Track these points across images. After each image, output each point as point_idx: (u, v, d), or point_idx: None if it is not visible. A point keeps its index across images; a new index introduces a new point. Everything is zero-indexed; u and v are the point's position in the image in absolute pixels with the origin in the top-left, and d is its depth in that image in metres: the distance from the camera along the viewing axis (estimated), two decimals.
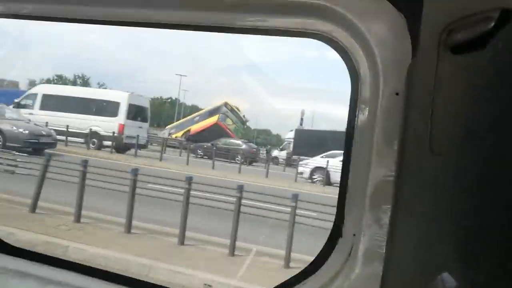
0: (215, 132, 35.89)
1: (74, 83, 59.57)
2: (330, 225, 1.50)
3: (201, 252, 8.72)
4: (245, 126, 45.29)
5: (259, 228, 10.05)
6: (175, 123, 43.45)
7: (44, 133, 21.21)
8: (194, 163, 23.70)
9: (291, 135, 36.06)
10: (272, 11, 1.37)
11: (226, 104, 40.81)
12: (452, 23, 0.92)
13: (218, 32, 1.58)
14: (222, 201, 10.05)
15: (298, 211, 8.83)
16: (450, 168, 0.88)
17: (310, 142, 28.86)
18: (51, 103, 25.50)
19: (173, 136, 37.21)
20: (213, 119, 38.93)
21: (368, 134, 1.27)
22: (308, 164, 22.69)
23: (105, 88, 58.39)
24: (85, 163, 10.38)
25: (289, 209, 8.77)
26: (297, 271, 1.49)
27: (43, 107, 25.36)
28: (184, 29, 1.59)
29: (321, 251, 1.46)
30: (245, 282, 7.34)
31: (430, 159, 0.95)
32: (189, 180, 9.55)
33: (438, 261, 0.89)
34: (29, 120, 21.96)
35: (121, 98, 25.51)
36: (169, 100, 65.65)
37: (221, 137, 33.45)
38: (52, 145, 21.04)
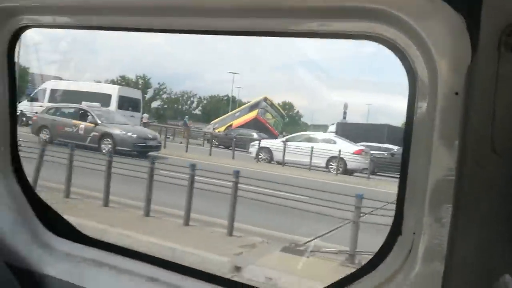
0: (255, 126, 36.75)
1: (136, 83, 62.71)
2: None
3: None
4: (284, 120, 46.19)
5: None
6: (219, 118, 44.60)
7: (150, 136, 21.74)
8: (216, 153, 25.79)
9: (332, 128, 36.67)
10: (329, 16, 1.40)
11: (265, 99, 41.72)
12: None
13: (279, 36, 1.64)
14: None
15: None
16: None
17: (350, 134, 29.17)
18: (57, 96, 28.57)
19: (217, 130, 38.29)
20: (253, 114, 39.82)
21: (426, 133, 1.27)
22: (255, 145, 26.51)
23: (165, 89, 61.57)
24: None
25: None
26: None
27: (51, 100, 27.90)
28: (245, 35, 1.65)
29: (380, 248, 1.46)
30: None
31: (492, 159, 0.95)
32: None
33: (500, 263, 0.90)
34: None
35: (112, 90, 28.76)
36: (225, 98, 67.24)
37: (261, 131, 34.50)
38: (157, 148, 21.50)
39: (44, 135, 21.16)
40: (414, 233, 1.33)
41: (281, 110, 43.99)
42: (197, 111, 68.64)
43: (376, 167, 24.28)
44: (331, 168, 22.71)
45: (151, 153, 19.20)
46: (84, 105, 22.51)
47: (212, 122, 43.52)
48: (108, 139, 20.09)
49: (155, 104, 66.78)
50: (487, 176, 0.98)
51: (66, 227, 2.09)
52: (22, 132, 21.95)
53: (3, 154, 2.04)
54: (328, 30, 1.45)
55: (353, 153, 23.36)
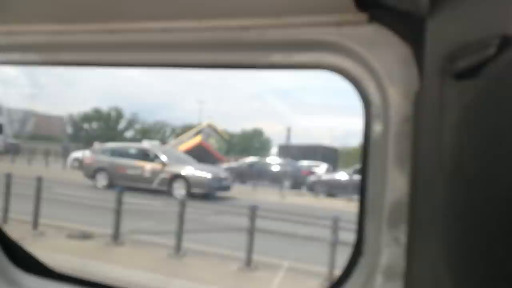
0: (200, 150, 38.47)
1: (108, 115, 63.44)
2: None
3: None
4: (226, 144, 49.40)
5: None
6: (171, 142, 46.30)
7: (222, 175, 20.26)
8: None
9: (274, 151, 43.36)
10: (289, 49, 1.47)
11: (209, 126, 44.81)
12: (455, 51, 0.95)
13: (246, 68, 1.69)
14: None
15: None
16: (461, 189, 0.92)
17: (291, 154, 34.01)
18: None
19: None
20: (196, 139, 42.01)
21: (381, 156, 1.33)
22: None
23: (137, 119, 62.12)
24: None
25: None
26: None
27: None
28: (212, 68, 1.69)
29: (343, 269, 1.48)
30: None
31: (441, 180, 0.99)
32: None
33: (454, 282, 0.92)
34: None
35: None
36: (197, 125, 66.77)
37: (206, 155, 36.43)
38: (228, 188, 19.82)
39: (101, 179, 19.75)
40: (374, 254, 1.36)
41: (225, 136, 46.81)
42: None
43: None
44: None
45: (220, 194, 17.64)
46: (146, 143, 21.67)
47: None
48: (180, 181, 18.31)
49: (128, 134, 66.66)
50: (437, 197, 1.02)
51: (34, 262, 2.05)
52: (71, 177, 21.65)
53: None
54: (289, 62, 1.51)
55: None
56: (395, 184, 1.29)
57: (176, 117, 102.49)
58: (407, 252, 1.24)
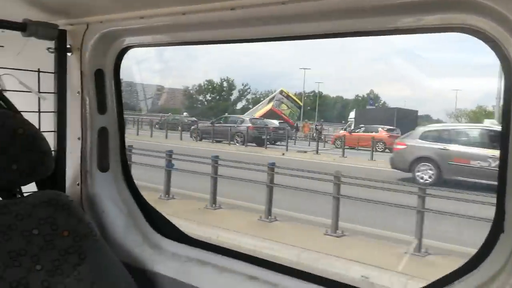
0: (271, 116, 39.99)
1: (221, 86, 66.83)
2: None
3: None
4: (300, 110, 51.34)
5: None
6: (250, 110, 49.27)
7: None
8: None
9: (352, 115, 42.61)
10: (422, 10, 1.37)
11: (281, 92, 46.52)
12: None
13: (364, 35, 1.66)
14: None
15: None
16: None
17: (367, 119, 33.65)
18: None
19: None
20: (269, 106, 44.19)
21: None
22: None
23: (248, 90, 64.74)
24: None
25: None
26: None
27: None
28: (340, 37, 1.69)
29: (481, 246, 1.41)
30: None
31: None
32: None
33: None
34: None
35: None
36: (312, 94, 68.05)
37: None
38: None
39: (423, 172, 15.07)
40: None
41: (298, 101, 48.15)
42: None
43: None
44: None
45: None
46: (490, 124, 16.25)
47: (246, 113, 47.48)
48: None
49: (240, 105, 69.27)
50: None
51: (172, 229, 2.26)
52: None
53: (115, 164, 2.27)
54: (421, 24, 1.43)
55: None
56: None
57: (291, 86, 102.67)
58: None
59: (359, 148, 28.49)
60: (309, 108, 69.65)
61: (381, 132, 31.40)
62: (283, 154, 23.65)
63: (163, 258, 2.10)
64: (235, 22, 1.74)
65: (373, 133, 29.67)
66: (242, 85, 71.08)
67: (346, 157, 23.31)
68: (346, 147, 25.63)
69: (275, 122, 35.45)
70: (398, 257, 8.28)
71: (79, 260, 1.74)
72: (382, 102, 69.85)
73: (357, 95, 72.51)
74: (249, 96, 70.96)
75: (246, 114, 45.74)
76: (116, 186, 2.26)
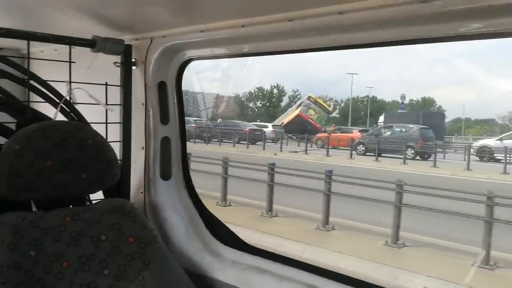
0: (299, 122, 42.20)
1: (271, 92, 68.50)
2: None
3: None
4: (329, 115, 53.19)
5: None
6: (281, 116, 50.97)
7: None
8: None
9: (381, 119, 44.76)
10: (494, 15, 1.32)
11: (309, 98, 48.52)
12: None
13: (428, 43, 1.62)
14: None
15: None
16: None
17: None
18: None
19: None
20: (296, 111, 45.81)
21: None
22: None
23: (299, 96, 66.10)
24: None
25: None
26: None
27: None
28: (406, 44, 1.67)
29: None
30: None
31: None
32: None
33: None
34: None
35: None
36: (365, 99, 67.83)
37: (304, 126, 40.15)
38: None
39: None
40: None
41: (326, 107, 50.19)
42: (334, 114, 69.53)
43: None
44: None
45: None
46: None
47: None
48: None
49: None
50: None
51: (231, 236, 2.30)
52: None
53: (177, 173, 2.34)
54: (490, 30, 1.38)
55: None
56: None
57: (344, 91, 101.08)
58: None
59: (339, 148, 32.71)
60: (363, 113, 68.97)
61: (355, 132, 36.80)
62: (275, 154, 26.57)
63: (223, 265, 2.13)
64: (293, 33, 1.75)
65: (349, 134, 35.04)
66: (293, 91, 71.54)
67: (330, 156, 26.97)
68: (330, 147, 29.56)
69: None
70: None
71: (143, 265, 1.80)
72: (437, 106, 67.95)
73: (411, 99, 70.75)
74: (299, 102, 71.05)
75: (278, 119, 48.41)
76: (178, 193, 2.33)
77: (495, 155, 26.29)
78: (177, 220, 2.28)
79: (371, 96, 68.02)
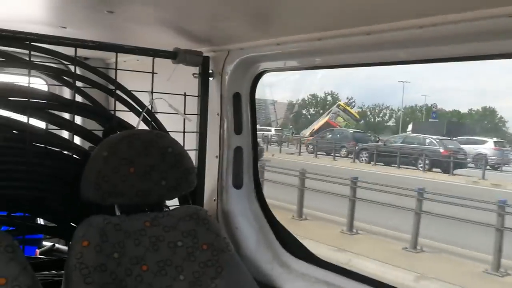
0: (327, 129, 42.78)
1: (324, 100, 69.58)
2: None
3: None
4: (357, 122, 54.64)
5: None
6: (313, 123, 52.58)
7: None
8: None
9: (410, 127, 46.76)
10: None
11: (338, 105, 51.02)
12: None
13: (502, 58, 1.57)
14: None
15: None
16: None
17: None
18: None
19: (307, 133, 46.77)
20: (325, 119, 47.58)
21: None
22: None
23: (353, 103, 67.23)
24: None
25: None
26: None
27: None
28: (470, 60, 1.65)
29: None
30: None
31: None
32: None
33: None
34: None
35: None
36: (423, 108, 66.84)
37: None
38: None
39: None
40: None
41: (355, 114, 52.54)
42: (390, 123, 68.59)
43: None
44: None
45: None
46: None
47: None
48: None
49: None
50: None
51: (301, 249, 2.29)
52: None
53: (248, 182, 2.38)
54: None
55: None
56: None
57: (401, 100, 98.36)
58: None
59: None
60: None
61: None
62: (273, 155, 28.27)
63: (292, 277, 2.13)
64: (371, 46, 1.75)
65: None
66: (347, 98, 70.62)
67: (318, 157, 29.59)
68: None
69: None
70: None
71: (216, 273, 1.83)
72: (498, 116, 64.96)
73: (470, 109, 67.85)
74: (354, 110, 70.16)
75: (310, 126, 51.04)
76: (249, 202, 2.37)
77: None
78: (248, 229, 2.31)
79: (429, 105, 65.69)
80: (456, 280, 7.74)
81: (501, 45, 1.47)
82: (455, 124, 50.48)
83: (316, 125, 48.14)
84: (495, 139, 31.74)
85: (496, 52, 1.53)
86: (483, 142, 30.63)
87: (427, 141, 27.34)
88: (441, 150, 25.56)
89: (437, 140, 27.12)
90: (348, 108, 52.32)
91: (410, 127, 47.58)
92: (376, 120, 70.27)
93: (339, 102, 52.26)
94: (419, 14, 1.48)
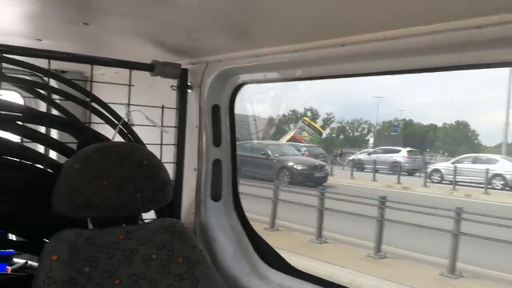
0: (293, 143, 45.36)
1: (304, 114, 69.00)
2: None
3: None
4: (321, 137, 57.67)
5: None
6: (283, 136, 53.28)
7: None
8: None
9: (372, 140, 50.42)
10: None
11: (303, 121, 52.15)
12: None
13: (478, 68, 1.62)
14: None
15: None
16: None
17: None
18: None
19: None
20: (292, 133, 48.75)
21: None
22: None
23: (332, 119, 68.14)
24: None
25: None
26: None
27: None
28: (433, 71, 1.68)
29: None
30: None
31: None
32: None
33: None
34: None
35: None
36: (402, 121, 67.99)
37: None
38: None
39: None
40: None
41: (320, 129, 54.34)
42: (368, 137, 68.48)
43: None
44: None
45: None
46: None
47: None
48: None
49: (323, 134, 69.43)
50: None
51: (279, 260, 2.28)
52: None
53: (227, 194, 2.37)
54: None
55: None
56: None
57: (383, 114, 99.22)
58: None
59: None
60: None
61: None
62: None
63: None
64: (345, 58, 1.77)
65: None
66: (326, 114, 71.74)
67: None
68: None
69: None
70: None
71: (191, 286, 1.81)
72: (471, 130, 66.65)
73: (444, 123, 69.32)
74: (333, 125, 71.05)
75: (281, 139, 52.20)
76: (227, 215, 2.35)
77: None
78: (226, 242, 2.29)
79: (407, 119, 67.37)
80: None
81: (470, 56, 1.51)
82: (410, 137, 52.51)
83: (283, 140, 48.97)
84: (408, 148, 34.06)
85: (465, 63, 1.57)
86: (398, 151, 32.97)
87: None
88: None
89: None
90: (313, 123, 53.92)
91: (371, 140, 50.17)
92: (355, 134, 71.06)
93: (304, 118, 54.20)
94: (391, 26, 1.52)
